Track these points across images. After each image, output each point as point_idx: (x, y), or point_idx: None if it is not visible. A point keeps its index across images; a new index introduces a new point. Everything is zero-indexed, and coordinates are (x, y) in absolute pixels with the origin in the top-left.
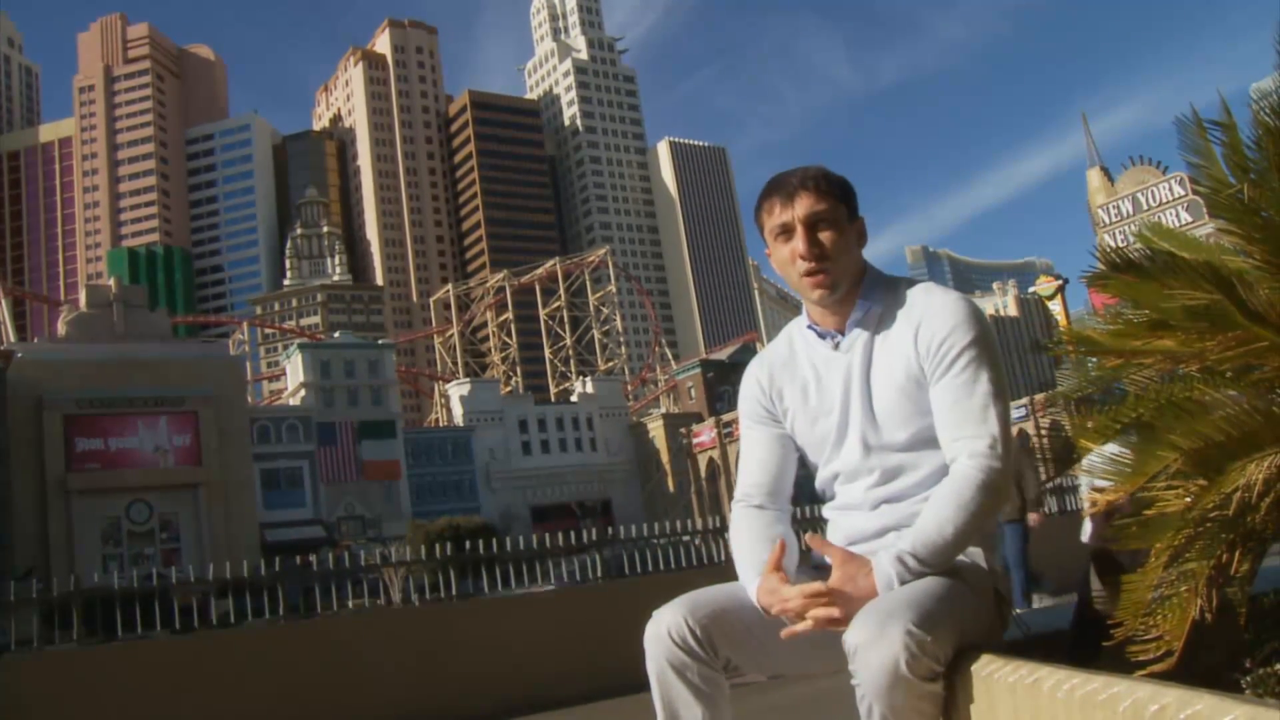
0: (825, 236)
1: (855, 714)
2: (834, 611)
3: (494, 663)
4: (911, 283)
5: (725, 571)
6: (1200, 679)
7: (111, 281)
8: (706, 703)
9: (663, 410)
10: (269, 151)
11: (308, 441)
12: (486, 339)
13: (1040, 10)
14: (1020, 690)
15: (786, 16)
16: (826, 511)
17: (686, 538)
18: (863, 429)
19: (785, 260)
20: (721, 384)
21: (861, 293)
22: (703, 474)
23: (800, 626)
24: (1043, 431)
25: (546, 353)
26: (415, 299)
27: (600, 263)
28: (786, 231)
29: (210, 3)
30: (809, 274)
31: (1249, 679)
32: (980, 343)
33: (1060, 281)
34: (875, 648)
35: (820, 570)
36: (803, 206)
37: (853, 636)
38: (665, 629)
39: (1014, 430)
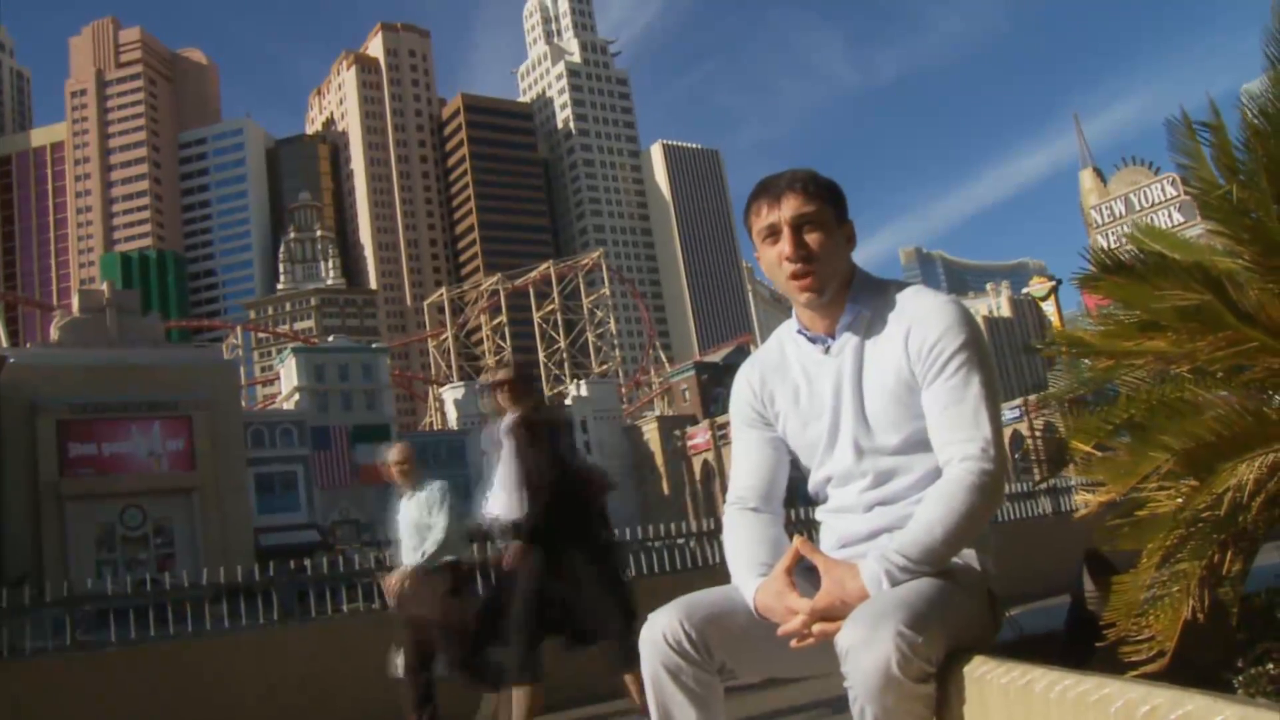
0: (812, 238)
1: (848, 716)
2: (830, 627)
3: None
4: (901, 285)
5: (721, 573)
6: (1193, 679)
7: (104, 286)
8: (700, 706)
9: (657, 413)
10: (262, 155)
11: (302, 446)
12: (480, 342)
13: (1037, 4)
14: (1013, 691)
15: (784, 11)
16: (819, 514)
17: (681, 540)
18: (854, 433)
19: (773, 263)
20: (716, 386)
21: (850, 296)
22: (698, 476)
23: (799, 644)
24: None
25: (540, 356)
26: (409, 302)
27: (594, 265)
28: (774, 233)
29: (202, 6)
30: (795, 276)
31: (1241, 679)
32: (971, 346)
33: (1053, 282)
34: (866, 649)
35: (810, 573)
36: (789, 208)
37: (844, 638)
38: (660, 632)
39: (1007, 432)
